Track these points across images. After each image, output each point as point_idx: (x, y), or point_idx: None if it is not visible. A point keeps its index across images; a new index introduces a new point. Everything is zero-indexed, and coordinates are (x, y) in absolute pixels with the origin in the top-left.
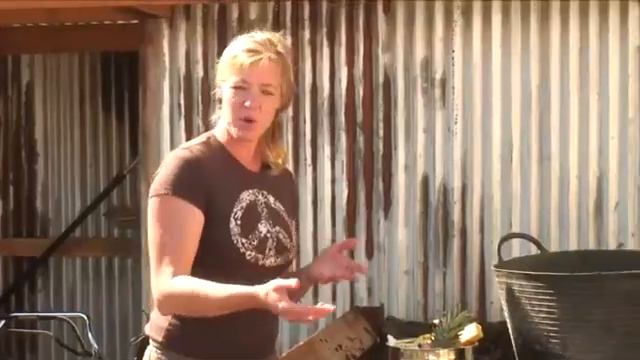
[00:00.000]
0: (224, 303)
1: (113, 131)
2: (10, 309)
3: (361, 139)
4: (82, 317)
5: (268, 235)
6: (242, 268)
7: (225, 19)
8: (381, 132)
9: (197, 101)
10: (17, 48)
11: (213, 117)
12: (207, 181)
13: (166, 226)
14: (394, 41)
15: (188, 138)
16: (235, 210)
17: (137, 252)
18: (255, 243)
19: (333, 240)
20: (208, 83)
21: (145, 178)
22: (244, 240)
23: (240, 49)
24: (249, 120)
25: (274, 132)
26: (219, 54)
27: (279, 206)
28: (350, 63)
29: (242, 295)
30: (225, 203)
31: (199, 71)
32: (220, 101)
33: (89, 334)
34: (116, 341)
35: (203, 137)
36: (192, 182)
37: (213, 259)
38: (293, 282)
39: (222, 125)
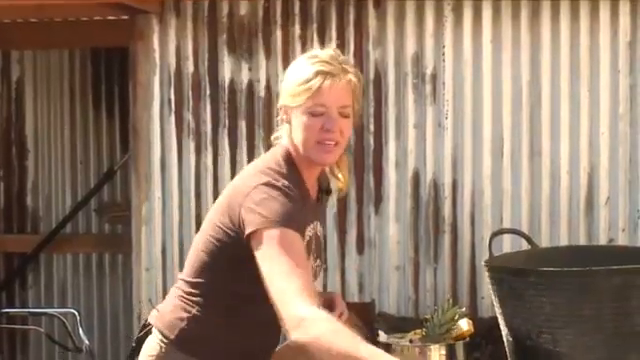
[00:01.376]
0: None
1: (103, 127)
2: (1, 305)
3: (352, 134)
4: (73, 313)
5: (311, 272)
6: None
7: (215, 15)
8: (372, 127)
9: (187, 97)
10: (7, 44)
11: (273, 136)
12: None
13: (292, 255)
14: (384, 37)
15: (178, 134)
16: None
17: (128, 248)
18: None
19: (324, 235)
20: (198, 79)
21: (136, 174)
22: None
23: (312, 72)
24: (331, 144)
25: (341, 156)
26: (209, 50)
27: (321, 231)
28: None
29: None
30: None
31: (189, 67)
32: (278, 124)
33: (80, 330)
34: (107, 337)
35: (284, 160)
36: (299, 219)
37: (261, 290)
38: None
39: (291, 149)
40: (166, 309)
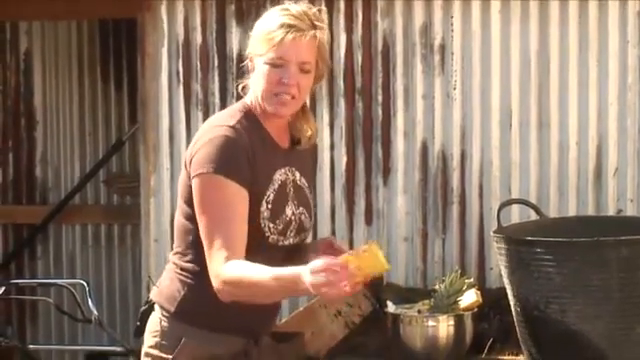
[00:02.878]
0: (274, 293)
1: (112, 98)
2: (10, 276)
3: (360, 105)
4: (82, 284)
5: (292, 218)
6: (262, 249)
7: None
8: (380, 98)
9: (196, 68)
10: (15, 15)
11: (239, 85)
12: (250, 162)
13: (218, 207)
14: (393, 7)
15: (186, 105)
16: (268, 193)
17: (136, 219)
18: (280, 227)
19: (332, 205)
20: (207, 50)
21: (144, 145)
22: (271, 225)
23: (277, 24)
24: (287, 97)
25: (304, 108)
26: (218, 21)
27: (303, 182)
28: (349, 30)
29: (287, 285)
30: (261, 184)
31: (197, 38)
32: (247, 72)
33: (89, 301)
34: (116, 308)
35: (239, 108)
36: (240, 164)
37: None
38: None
39: (252, 98)
40: (164, 283)
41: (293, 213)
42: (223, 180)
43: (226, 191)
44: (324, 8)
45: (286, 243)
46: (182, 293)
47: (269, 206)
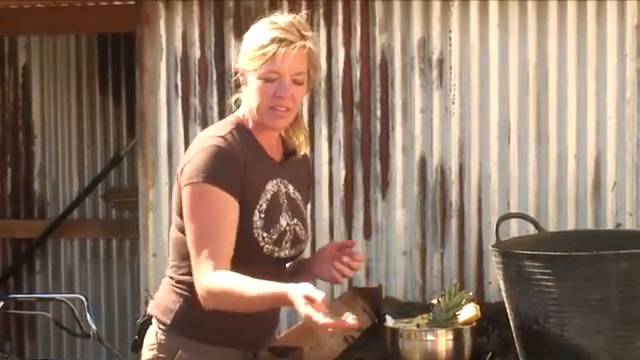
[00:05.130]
0: (258, 302)
1: (110, 112)
2: (8, 291)
3: (358, 119)
4: (80, 298)
5: (287, 229)
6: (258, 260)
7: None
8: (378, 112)
9: (194, 82)
10: (14, 30)
11: (230, 101)
12: (240, 172)
13: (205, 217)
14: (391, 22)
15: (185, 119)
16: (261, 202)
17: (135, 233)
18: (275, 237)
19: (331, 219)
20: (205, 64)
21: (142, 159)
22: (265, 234)
23: (268, 39)
24: (282, 110)
25: (297, 117)
26: (216, 35)
27: (297, 195)
28: (347, 44)
29: (273, 298)
30: (253, 194)
31: (196, 52)
32: (238, 86)
33: (87, 315)
34: (114, 322)
35: (232, 121)
36: (229, 173)
37: (243, 263)
38: (320, 296)
39: (245, 110)
40: (160, 296)
41: (288, 224)
42: (212, 189)
43: (215, 200)
44: (305, 13)
45: (282, 255)
46: (178, 305)
47: (262, 215)
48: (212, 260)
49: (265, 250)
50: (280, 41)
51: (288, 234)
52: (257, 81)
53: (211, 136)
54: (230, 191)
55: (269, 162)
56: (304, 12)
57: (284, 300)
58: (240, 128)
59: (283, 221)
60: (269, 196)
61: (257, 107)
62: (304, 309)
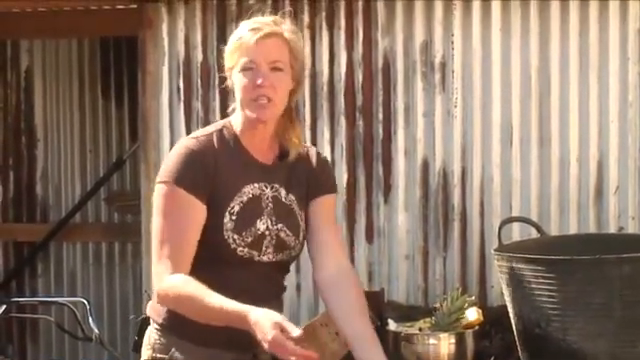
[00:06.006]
0: (216, 316)
1: (112, 116)
2: (11, 294)
3: (361, 123)
4: (83, 302)
5: (267, 232)
6: (236, 262)
7: (224, 3)
8: (380, 116)
9: (196, 86)
10: (16, 33)
11: (229, 109)
12: (210, 173)
13: (167, 216)
14: (393, 25)
15: (187, 123)
16: (232, 205)
17: (137, 237)
18: (249, 240)
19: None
20: (207, 67)
21: (145, 163)
22: (236, 236)
23: (244, 30)
24: (264, 100)
25: (292, 117)
26: (218, 38)
27: (291, 199)
28: (349, 47)
29: (234, 314)
30: (223, 197)
31: (198, 56)
32: (234, 92)
33: (90, 319)
34: (117, 326)
35: (218, 125)
36: (195, 174)
37: (206, 252)
38: (296, 332)
39: (237, 114)
40: (154, 297)
41: (268, 228)
42: (177, 189)
43: (176, 199)
44: (289, 10)
45: (265, 259)
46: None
47: (233, 217)
48: (171, 261)
49: (240, 253)
50: (254, 30)
51: (268, 238)
52: (238, 75)
53: (188, 137)
54: (194, 192)
55: (253, 165)
56: (287, 9)
57: (244, 320)
58: (223, 130)
59: (261, 225)
60: (245, 198)
61: (242, 102)
62: (271, 333)
